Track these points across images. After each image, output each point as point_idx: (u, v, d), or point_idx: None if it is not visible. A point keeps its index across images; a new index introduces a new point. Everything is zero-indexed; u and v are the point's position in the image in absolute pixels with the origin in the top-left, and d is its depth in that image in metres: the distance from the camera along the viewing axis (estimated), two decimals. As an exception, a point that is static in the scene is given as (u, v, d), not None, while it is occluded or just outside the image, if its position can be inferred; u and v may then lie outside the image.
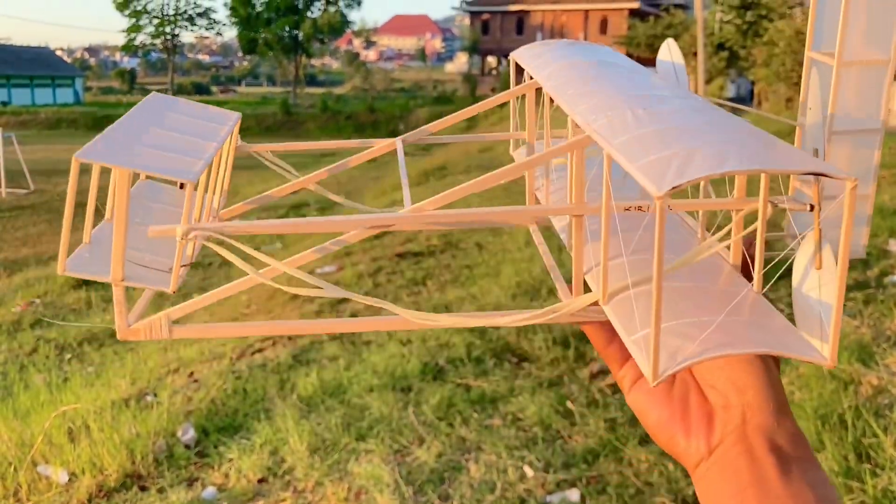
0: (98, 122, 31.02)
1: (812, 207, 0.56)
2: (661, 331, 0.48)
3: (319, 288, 0.55)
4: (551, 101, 0.69)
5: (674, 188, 0.42)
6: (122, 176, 0.54)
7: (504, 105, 0.85)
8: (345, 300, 4.09)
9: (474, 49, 47.07)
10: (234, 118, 0.75)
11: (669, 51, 0.85)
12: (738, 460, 0.50)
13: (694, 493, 2.34)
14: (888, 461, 2.31)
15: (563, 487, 2.44)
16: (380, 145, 0.81)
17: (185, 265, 0.58)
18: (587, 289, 0.60)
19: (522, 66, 0.79)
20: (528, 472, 2.51)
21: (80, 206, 0.57)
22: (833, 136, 0.64)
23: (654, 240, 0.50)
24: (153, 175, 0.55)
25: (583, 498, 2.37)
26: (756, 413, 0.52)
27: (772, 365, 0.55)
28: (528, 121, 0.79)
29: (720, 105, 0.61)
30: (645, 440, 2.62)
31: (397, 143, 0.81)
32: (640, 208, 0.59)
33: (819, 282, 0.53)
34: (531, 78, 0.76)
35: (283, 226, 0.59)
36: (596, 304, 0.57)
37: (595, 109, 0.57)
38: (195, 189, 0.56)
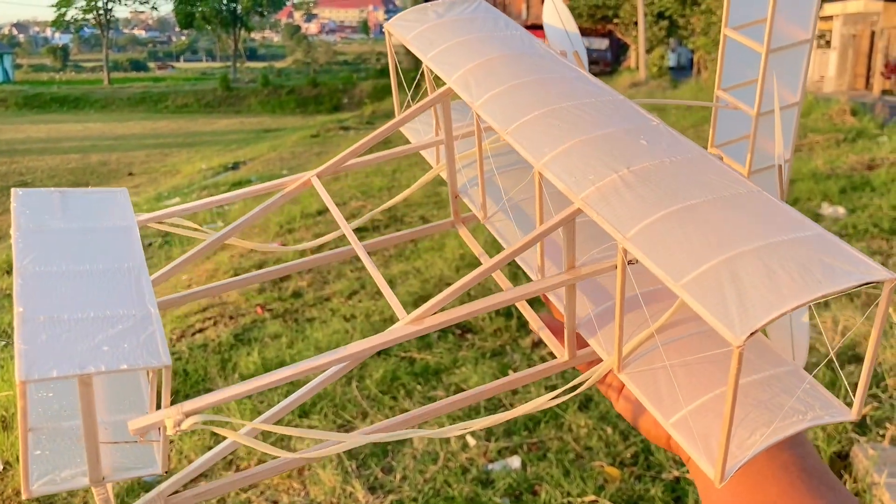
0: (29, 101, 29.92)
1: None
2: (697, 409, 0.52)
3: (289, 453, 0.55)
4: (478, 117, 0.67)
5: (751, 335, 0.42)
6: (84, 384, 0.45)
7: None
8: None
9: (417, 21, 46.62)
10: (123, 199, 0.67)
11: (556, 7, 0.81)
12: None
13: (632, 455, 2.40)
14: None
15: (504, 455, 2.47)
16: (292, 185, 0.75)
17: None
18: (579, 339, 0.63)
19: (411, 49, 0.74)
20: (471, 441, 2.54)
21: None
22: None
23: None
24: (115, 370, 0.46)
25: (524, 464, 2.41)
26: None
27: None
28: (447, 129, 0.75)
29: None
30: (584, 406, 2.67)
31: (313, 179, 0.75)
32: (630, 262, 0.58)
33: None
34: (431, 71, 0.72)
35: (271, 383, 0.53)
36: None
37: (568, 168, 0.56)
38: (168, 370, 0.49)
